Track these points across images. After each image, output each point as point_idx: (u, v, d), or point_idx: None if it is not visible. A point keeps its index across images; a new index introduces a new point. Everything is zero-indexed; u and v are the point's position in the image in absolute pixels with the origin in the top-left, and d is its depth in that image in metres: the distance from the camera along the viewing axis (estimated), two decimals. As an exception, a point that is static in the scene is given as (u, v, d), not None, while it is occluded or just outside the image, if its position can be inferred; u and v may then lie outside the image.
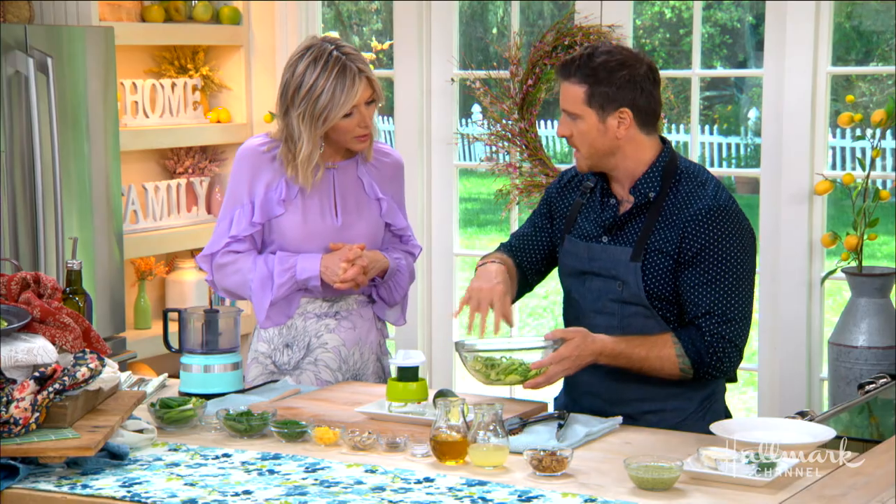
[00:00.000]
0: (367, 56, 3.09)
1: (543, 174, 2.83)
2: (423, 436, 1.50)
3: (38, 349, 1.47)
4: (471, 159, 6.18)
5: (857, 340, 2.48)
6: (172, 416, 1.59)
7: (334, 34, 1.83)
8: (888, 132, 2.68)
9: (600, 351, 1.62)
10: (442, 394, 1.61)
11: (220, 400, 1.70)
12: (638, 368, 1.64)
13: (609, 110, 1.65)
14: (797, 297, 2.67)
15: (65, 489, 1.36)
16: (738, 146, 7.90)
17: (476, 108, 5.63)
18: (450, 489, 1.35)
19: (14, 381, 1.45)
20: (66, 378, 1.44)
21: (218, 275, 1.85)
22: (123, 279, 2.74)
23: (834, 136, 6.90)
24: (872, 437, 1.78)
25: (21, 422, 1.39)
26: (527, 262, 1.79)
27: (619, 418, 1.60)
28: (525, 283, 1.80)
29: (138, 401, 1.58)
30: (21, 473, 1.38)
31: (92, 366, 1.47)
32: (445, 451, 1.44)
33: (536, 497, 1.32)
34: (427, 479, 1.38)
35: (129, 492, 1.35)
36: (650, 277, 1.66)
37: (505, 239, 1.90)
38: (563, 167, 2.17)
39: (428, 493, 1.33)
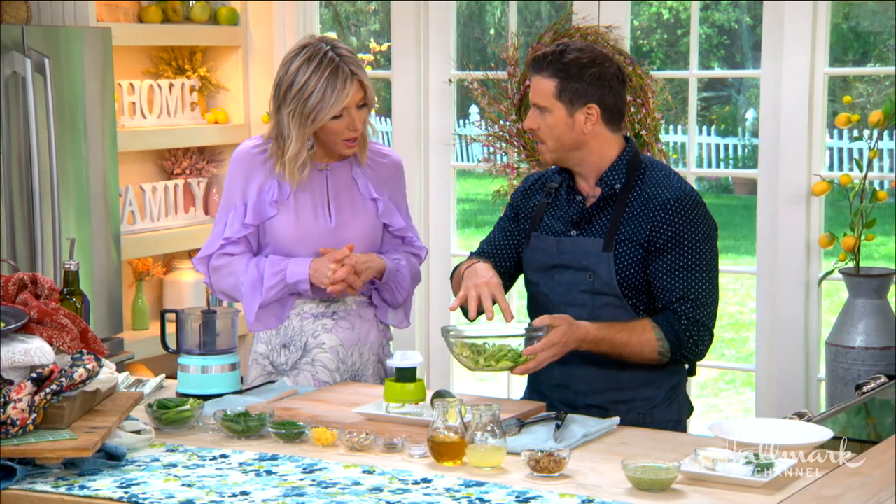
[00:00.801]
0: (365, 57, 3.10)
1: (541, 175, 2.83)
2: (421, 436, 1.49)
3: (36, 350, 1.47)
4: (468, 160, 6.19)
5: (855, 341, 2.48)
6: (170, 417, 1.59)
7: (332, 35, 1.82)
8: (885, 133, 2.68)
9: (584, 337, 1.65)
10: (440, 394, 1.61)
11: (218, 401, 1.70)
12: (619, 353, 1.68)
13: (578, 105, 1.69)
14: (795, 297, 2.67)
15: (62, 490, 1.36)
16: (735, 147, 7.91)
17: (474, 109, 5.63)
18: (447, 490, 1.35)
19: (11, 382, 1.44)
20: (63, 379, 1.44)
21: (214, 277, 1.86)
22: (121, 280, 2.74)
23: (831, 136, 6.91)
24: (870, 437, 1.79)
25: (18, 423, 1.39)
26: (499, 266, 1.82)
27: (617, 419, 1.61)
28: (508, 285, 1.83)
29: (136, 402, 1.58)
30: (18, 474, 1.38)
31: (89, 367, 1.47)
32: (443, 451, 1.44)
33: (534, 498, 1.32)
34: (425, 480, 1.38)
35: (126, 493, 1.34)
36: (622, 267, 1.70)
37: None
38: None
39: (426, 494, 1.33)
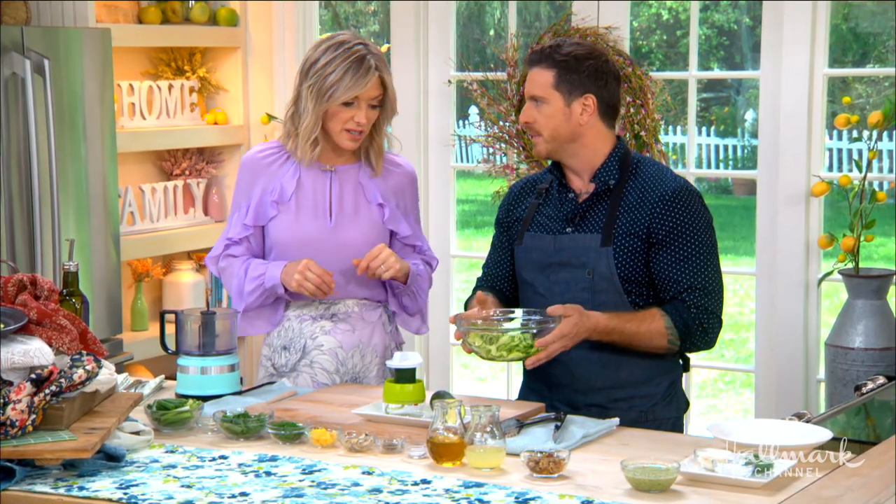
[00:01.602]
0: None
1: (540, 176, 2.83)
2: (420, 437, 1.49)
3: (35, 351, 1.47)
4: (468, 161, 6.18)
5: (854, 342, 2.49)
6: (169, 418, 1.59)
7: (368, 42, 1.87)
8: (885, 134, 2.68)
9: (594, 327, 1.67)
10: (439, 395, 1.61)
11: (217, 402, 1.70)
12: (628, 343, 1.69)
13: (575, 96, 1.72)
14: (794, 298, 2.68)
15: (61, 491, 1.36)
16: (734, 148, 7.92)
17: (473, 110, 5.63)
18: (447, 491, 1.35)
19: (10, 383, 1.45)
20: (62, 380, 1.44)
21: (223, 279, 1.90)
22: (120, 281, 2.74)
23: (831, 137, 6.91)
24: (869, 438, 1.80)
25: (17, 424, 1.39)
26: (505, 285, 1.83)
27: (616, 420, 1.61)
28: (512, 304, 1.84)
29: (135, 403, 1.58)
30: (17, 475, 1.38)
31: (89, 368, 1.47)
32: (442, 452, 1.44)
33: (533, 499, 1.32)
34: (424, 481, 1.38)
35: (125, 494, 1.34)
36: (622, 261, 1.71)
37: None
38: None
39: (425, 495, 1.33)
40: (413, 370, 1.62)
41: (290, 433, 1.53)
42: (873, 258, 4.91)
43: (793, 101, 2.64)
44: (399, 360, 1.61)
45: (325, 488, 1.36)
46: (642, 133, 2.72)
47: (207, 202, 3.12)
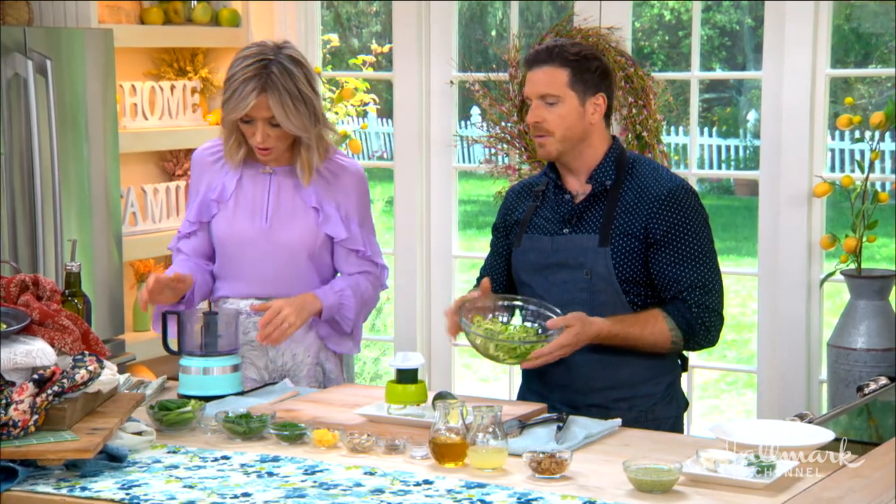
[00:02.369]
0: (367, 59, 3.10)
1: (542, 176, 2.83)
2: (423, 438, 1.49)
3: (37, 351, 1.47)
4: (470, 161, 6.19)
5: (857, 342, 2.49)
6: (171, 419, 1.59)
7: (287, 52, 1.83)
8: (887, 134, 2.68)
9: (597, 334, 1.67)
10: (441, 396, 1.61)
11: (220, 402, 1.70)
12: (632, 346, 1.70)
13: (588, 95, 1.73)
14: (796, 299, 2.68)
15: (64, 491, 1.36)
16: (737, 148, 7.92)
17: (475, 111, 5.62)
18: (449, 491, 1.35)
19: (13, 384, 1.45)
20: (65, 380, 1.44)
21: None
22: (122, 281, 2.75)
23: (833, 138, 6.91)
24: (872, 439, 1.79)
25: (20, 424, 1.40)
26: (501, 289, 1.83)
27: (618, 420, 1.61)
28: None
29: (137, 403, 1.59)
30: (20, 476, 1.38)
31: (91, 368, 1.47)
32: (444, 453, 1.44)
33: (535, 499, 1.32)
34: (426, 482, 1.38)
35: (128, 494, 1.35)
36: (619, 261, 1.72)
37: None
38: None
39: (427, 496, 1.33)
40: (415, 371, 1.62)
41: (293, 434, 1.53)
42: (875, 259, 4.91)
43: (795, 102, 2.64)
44: (401, 361, 1.61)
45: (327, 489, 1.36)
46: (644, 133, 2.72)
47: (209, 203, 3.12)
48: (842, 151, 7.14)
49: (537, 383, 1.76)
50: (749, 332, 4.76)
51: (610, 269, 1.70)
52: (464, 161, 6.06)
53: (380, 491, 1.35)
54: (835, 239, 2.61)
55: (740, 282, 5.46)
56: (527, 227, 1.78)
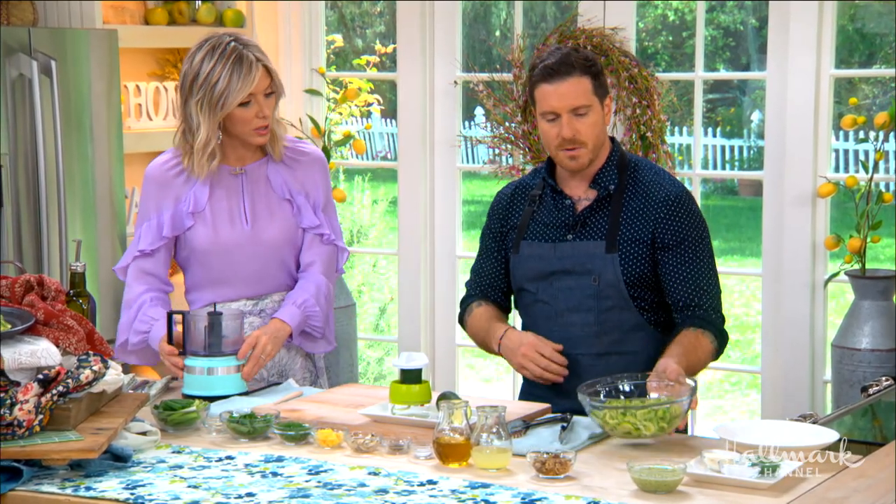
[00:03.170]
0: (371, 59, 3.11)
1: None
2: (427, 438, 1.50)
3: (42, 351, 1.48)
4: (474, 162, 6.20)
5: (861, 343, 2.49)
6: (176, 419, 1.59)
7: (237, 33, 1.83)
8: (891, 135, 2.68)
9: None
10: (445, 396, 1.62)
11: (224, 402, 1.70)
12: (693, 374, 1.67)
13: (604, 99, 1.74)
14: (800, 299, 2.68)
15: (68, 491, 1.36)
16: (741, 149, 7.91)
17: (479, 111, 5.64)
18: (453, 491, 1.35)
19: (18, 384, 1.45)
20: (69, 380, 1.44)
21: (125, 293, 1.88)
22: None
23: (837, 138, 6.90)
24: (876, 439, 1.79)
25: (25, 424, 1.40)
26: (498, 293, 1.83)
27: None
28: (507, 312, 1.85)
29: (142, 403, 1.59)
30: (25, 476, 1.38)
31: (95, 368, 1.47)
32: (448, 453, 1.44)
33: (539, 499, 1.32)
34: (430, 482, 1.39)
35: (132, 494, 1.35)
36: (627, 267, 1.71)
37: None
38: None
39: (431, 496, 1.34)
40: (419, 371, 1.62)
41: (297, 434, 1.54)
42: (880, 259, 4.90)
43: (799, 102, 2.64)
44: (405, 361, 1.62)
45: (331, 489, 1.36)
46: (648, 134, 2.72)
47: (213, 203, 3.12)
48: (846, 152, 7.13)
49: (540, 388, 1.75)
50: (753, 333, 4.75)
51: (618, 275, 1.69)
52: (467, 161, 6.07)
53: (384, 491, 1.35)
54: (839, 239, 2.61)
55: (744, 282, 5.46)
56: (525, 234, 1.76)
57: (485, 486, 1.37)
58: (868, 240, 2.56)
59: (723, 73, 7.85)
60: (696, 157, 2.97)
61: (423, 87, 2.99)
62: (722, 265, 6.87)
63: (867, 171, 2.59)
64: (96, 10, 2.73)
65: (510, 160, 2.88)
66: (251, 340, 1.77)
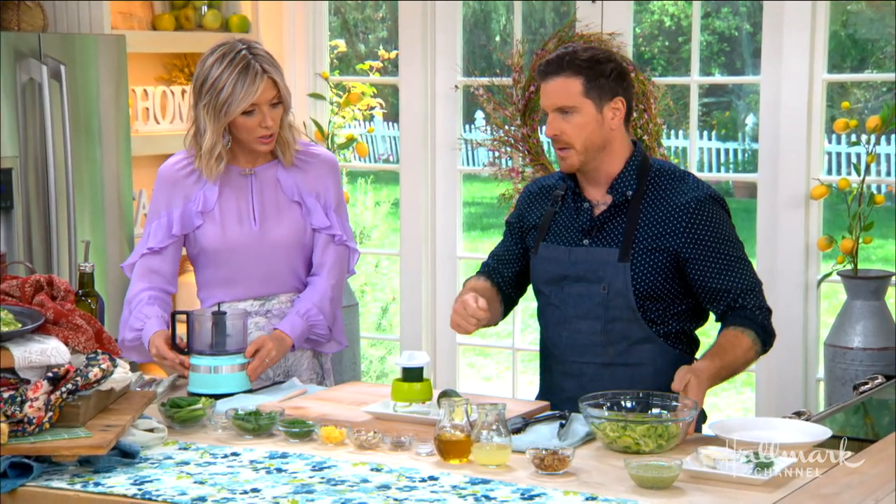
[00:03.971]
0: (374, 64, 3.14)
1: (545, 179, 2.86)
2: (428, 435, 1.51)
3: (52, 350, 1.49)
4: (474, 164, 6.19)
5: (853, 342, 2.50)
6: (182, 416, 1.60)
7: (252, 42, 1.86)
8: (883, 138, 2.71)
9: (709, 378, 1.59)
10: (446, 394, 1.62)
11: (229, 400, 1.71)
12: (733, 373, 1.65)
13: (605, 101, 1.66)
14: (794, 299, 2.69)
15: (77, 487, 1.37)
16: (735, 151, 7.93)
17: (479, 115, 5.65)
18: (454, 487, 1.36)
19: (28, 382, 1.47)
20: (78, 378, 1.46)
21: (129, 289, 1.89)
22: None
23: (829, 141, 6.93)
24: (868, 436, 1.81)
25: (35, 421, 1.42)
26: (507, 278, 1.80)
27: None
28: (508, 299, 1.82)
29: (149, 401, 1.60)
30: (35, 472, 1.39)
31: (104, 366, 1.49)
32: (449, 450, 1.45)
33: (539, 495, 1.33)
34: (431, 478, 1.39)
35: (140, 490, 1.36)
36: (639, 277, 1.67)
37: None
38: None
39: (432, 491, 1.34)
40: (420, 369, 1.63)
41: (301, 431, 1.55)
42: (871, 260, 4.92)
43: (792, 106, 2.65)
44: (407, 360, 1.62)
45: (334, 485, 1.37)
46: (645, 137, 2.74)
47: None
48: (838, 155, 7.16)
49: (551, 397, 1.74)
50: (748, 333, 4.77)
51: (628, 285, 1.65)
52: (468, 164, 6.07)
53: (386, 487, 1.36)
54: (832, 240, 2.62)
55: (740, 283, 5.45)
56: (545, 235, 1.73)
57: (485, 481, 1.38)
58: (860, 241, 2.57)
59: (718, 78, 7.86)
60: (691, 159, 2.98)
61: (424, 91, 3.01)
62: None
63: (859, 174, 2.60)
64: (105, 16, 2.75)
65: (510, 163, 2.89)
66: (258, 342, 1.78)
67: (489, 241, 6.27)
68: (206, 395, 1.71)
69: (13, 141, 2.49)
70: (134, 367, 2.39)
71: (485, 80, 2.91)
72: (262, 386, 1.83)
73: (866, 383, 2.08)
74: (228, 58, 1.79)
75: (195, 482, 1.39)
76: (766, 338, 1.68)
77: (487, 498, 1.33)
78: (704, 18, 7.43)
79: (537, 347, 1.83)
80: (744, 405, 4.11)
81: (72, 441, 1.41)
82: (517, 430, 1.54)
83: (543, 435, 1.53)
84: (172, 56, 3.13)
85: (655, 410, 1.52)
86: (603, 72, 1.66)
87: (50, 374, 1.46)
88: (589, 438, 1.54)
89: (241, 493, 1.35)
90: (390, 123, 7.56)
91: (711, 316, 1.74)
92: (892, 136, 6.89)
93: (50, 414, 1.43)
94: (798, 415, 1.82)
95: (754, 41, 7.28)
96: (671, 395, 1.55)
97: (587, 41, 2.73)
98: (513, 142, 2.85)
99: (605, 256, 1.68)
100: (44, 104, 2.51)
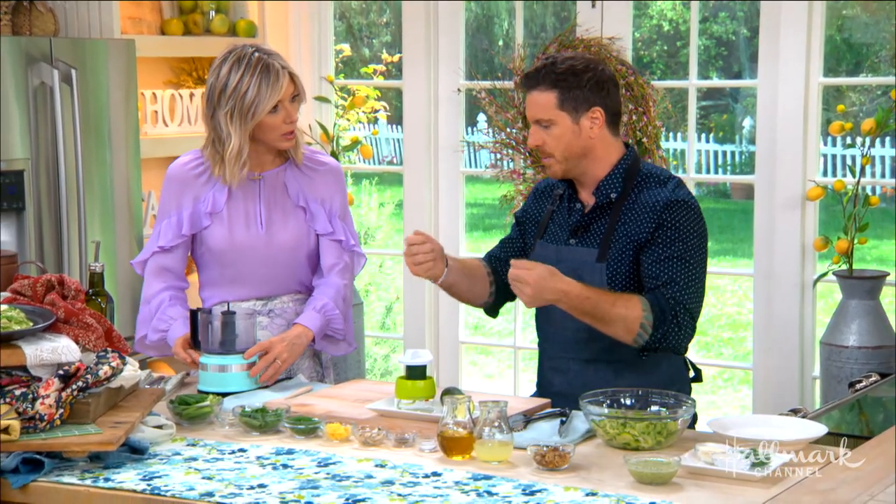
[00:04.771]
0: (378, 68, 3.17)
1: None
2: (431, 432, 1.52)
3: (63, 348, 1.50)
4: (476, 166, 6.24)
5: (848, 340, 2.51)
6: (190, 413, 1.62)
7: (257, 44, 1.87)
8: (877, 140, 2.74)
9: (564, 291, 1.61)
10: (449, 391, 1.64)
11: (236, 397, 1.72)
12: (601, 316, 1.63)
13: (582, 111, 1.69)
14: (790, 298, 2.70)
15: (88, 482, 1.39)
16: (733, 154, 7.95)
17: (481, 117, 5.68)
18: (456, 483, 1.37)
19: (39, 379, 1.48)
20: (88, 376, 1.47)
21: (143, 289, 1.91)
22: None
23: (825, 144, 6.93)
24: (863, 433, 1.83)
25: (46, 418, 1.43)
26: (504, 263, 1.82)
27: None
28: (505, 286, 1.81)
29: (158, 398, 1.62)
30: (46, 467, 1.41)
31: (114, 364, 1.50)
32: (452, 446, 1.46)
33: (540, 491, 1.34)
34: (435, 474, 1.41)
35: (149, 485, 1.37)
36: (613, 277, 1.69)
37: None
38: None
39: (435, 487, 1.36)
40: (424, 367, 1.65)
41: (306, 427, 1.56)
42: (866, 260, 4.95)
43: (789, 109, 2.67)
44: (411, 358, 1.64)
45: (339, 480, 1.38)
46: (644, 139, 2.77)
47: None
48: (834, 157, 7.17)
49: (543, 391, 1.77)
50: (745, 331, 4.77)
51: (604, 284, 1.67)
52: (470, 166, 6.10)
53: (390, 482, 1.37)
54: (827, 241, 2.64)
55: (736, 282, 5.48)
56: (542, 233, 1.77)
57: (487, 477, 1.39)
58: (855, 241, 2.58)
59: (716, 81, 7.89)
60: (689, 161, 3.00)
61: (427, 94, 3.02)
62: (715, 266, 6.89)
63: (854, 176, 2.62)
64: (115, 21, 2.76)
65: (511, 165, 2.90)
66: (265, 344, 1.79)
67: (491, 242, 6.24)
68: (214, 393, 1.72)
69: (25, 143, 2.51)
70: (143, 365, 2.42)
71: (487, 84, 2.92)
72: (266, 384, 1.83)
73: (861, 381, 2.11)
74: (244, 62, 1.81)
75: (203, 478, 1.40)
76: (660, 324, 1.63)
77: (490, 493, 1.34)
78: (702, 23, 7.44)
79: (537, 346, 1.86)
80: (741, 402, 4.13)
81: (82, 437, 1.43)
82: (518, 427, 1.54)
83: (544, 432, 1.55)
84: (181, 60, 3.14)
85: (654, 408, 1.55)
86: (578, 83, 1.68)
87: (61, 372, 1.47)
88: (589, 435, 1.55)
89: (247, 489, 1.36)
90: (394, 126, 7.58)
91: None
92: (887, 138, 6.92)
93: (61, 411, 1.44)
94: (795, 412, 1.84)
95: (751, 45, 7.30)
96: (670, 393, 1.57)
97: (587, 45, 2.76)
98: (514, 144, 2.86)
99: (586, 256, 1.71)
100: (55, 107, 2.52)
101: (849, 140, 2.76)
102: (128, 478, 1.40)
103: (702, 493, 1.34)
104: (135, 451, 1.47)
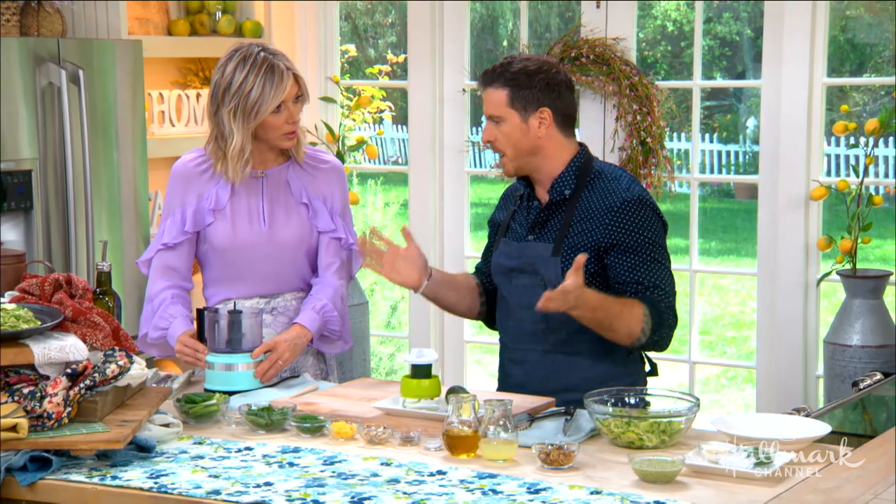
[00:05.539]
0: (384, 68, 3.18)
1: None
2: (436, 430, 1.53)
3: (70, 347, 1.50)
4: (481, 166, 6.24)
5: (852, 340, 2.51)
6: (197, 412, 1.63)
7: (263, 43, 1.89)
8: (881, 140, 2.74)
9: (586, 300, 1.64)
10: (454, 390, 1.65)
11: (243, 395, 1.73)
12: (609, 323, 1.68)
13: (530, 111, 1.74)
14: (794, 298, 2.71)
15: (95, 480, 1.40)
16: (737, 154, 7.95)
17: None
18: (461, 481, 1.38)
19: (47, 378, 1.49)
20: (96, 374, 1.48)
21: (148, 287, 1.92)
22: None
23: (829, 144, 6.95)
24: (866, 432, 1.84)
25: (54, 416, 1.44)
26: (487, 274, 1.88)
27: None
28: (495, 294, 1.86)
29: (164, 396, 1.63)
30: (54, 465, 1.42)
31: (121, 363, 1.51)
32: (457, 445, 1.47)
33: (544, 489, 1.35)
34: (440, 472, 1.41)
35: (156, 483, 1.38)
36: (567, 270, 1.70)
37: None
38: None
39: (441, 486, 1.36)
40: (429, 366, 1.66)
41: (312, 426, 1.57)
42: (870, 259, 4.95)
43: (793, 109, 2.67)
44: (416, 357, 1.65)
45: (345, 478, 1.39)
46: (648, 139, 2.77)
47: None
48: (837, 157, 7.16)
49: (506, 387, 1.80)
50: (749, 330, 4.77)
51: (559, 278, 1.70)
52: (475, 166, 6.12)
53: (395, 481, 1.38)
54: (831, 240, 2.64)
55: (740, 282, 5.48)
56: (505, 232, 1.82)
57: (492, 476, 1.40)
58: (859, 241, 2.58)
59: (719, 82, 7.89)
60: (693, 161, 3.01)
61: (432, 94, 3.03)
62: (718, 265, 6.83)
63: (858, 175, 2.62)
64: (122, 22, 2.77)
65: (515, 165, 2.95)
66: (270, 343, 1.80)
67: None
68: (220, 392, 1.72)
69: (33, 143, 2.52)
70: (150, 363, 2.43)
71: (491, 84, 2.97)
72: (274, 382, 1.85)
73: (865, 380, 2.11)
74: (250, 61, 1.81)
75: (210, 476, 1.41)
76: (658, 327, 1.69)
77: (495, 492, 1.34)
78: (706, 23, 7.45)
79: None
80: (745, 401, 4.14)
81: (90, 436, 1.44)
82: (523, 426, 1.55)
83: (549, 430, 1.55)
84: (187, 60, 3.15)
85: (659, 407, 1.56)
86: (529, 83, 1.73)
87: (68, 371, 1.48)
88: (593, 434, 1.56)
89: (254, 487, 1.37)
90: (399, 126, 7.59)
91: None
92: (891, 138, 6.92)
93: (68, 409, 1.46)
94: (798, 411, 1.85)
95: (755, 46, 7.31)
96: (673, 392, 1.58)
97: (592, 46, 2.76)
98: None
99: (541, 251, 1.75)
100: (62, 107, 2.53)
101: (852, 140, 2.76)
102: (135, 476, 1.41)
103: (706, 492, 1.35)
104: (142, 450, 1.48)
